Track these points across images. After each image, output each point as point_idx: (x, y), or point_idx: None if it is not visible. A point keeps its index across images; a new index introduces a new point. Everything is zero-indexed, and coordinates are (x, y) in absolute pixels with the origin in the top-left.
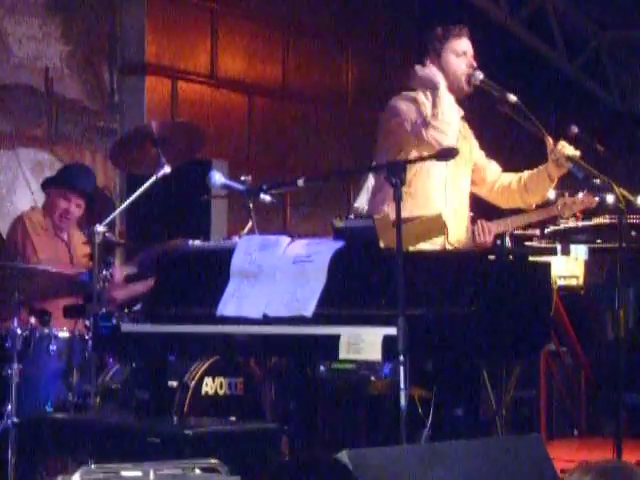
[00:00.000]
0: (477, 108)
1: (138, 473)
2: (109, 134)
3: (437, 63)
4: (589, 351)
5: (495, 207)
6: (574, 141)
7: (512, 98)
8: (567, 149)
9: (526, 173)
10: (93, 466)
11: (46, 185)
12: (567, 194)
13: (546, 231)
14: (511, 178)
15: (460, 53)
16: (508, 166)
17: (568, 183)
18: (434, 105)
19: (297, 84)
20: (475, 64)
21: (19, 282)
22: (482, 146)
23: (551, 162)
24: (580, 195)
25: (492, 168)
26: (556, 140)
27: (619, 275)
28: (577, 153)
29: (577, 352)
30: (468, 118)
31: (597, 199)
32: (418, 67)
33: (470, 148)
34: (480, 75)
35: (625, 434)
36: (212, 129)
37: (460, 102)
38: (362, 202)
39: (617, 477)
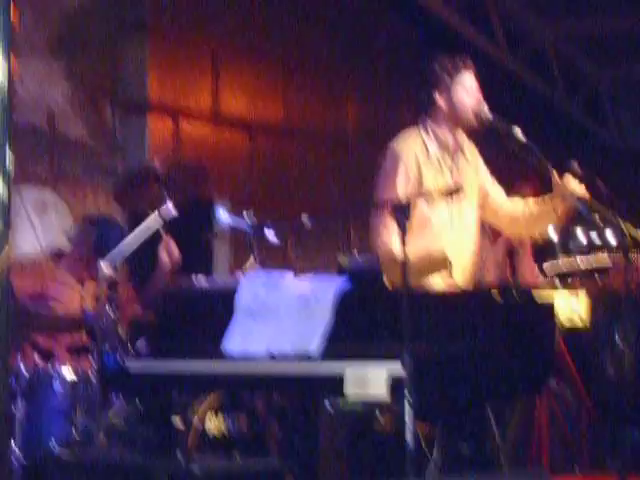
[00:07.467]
0: (481, 138)
1: None
2: (111, 173)
3: (446, 96)
4: (591, 388)
5: None
6: (575, 178)
7: (521, 138)
8: (572, 184)
9: (531, 202)
10: None
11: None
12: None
13: (544, 269)
14: (516, 206)
15: (469, 88)
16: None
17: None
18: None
19: (298, 122)
20: (482, 98)
21: (22, 320)
22: None
23: (557, 196)
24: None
25: (496, 192)
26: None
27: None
28: (582, 188)
29: (579, 389)
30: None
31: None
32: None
33: (476, 170)
34: (489, 115)
35: (628, 470)
36: (214, 167)
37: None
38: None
39: None
